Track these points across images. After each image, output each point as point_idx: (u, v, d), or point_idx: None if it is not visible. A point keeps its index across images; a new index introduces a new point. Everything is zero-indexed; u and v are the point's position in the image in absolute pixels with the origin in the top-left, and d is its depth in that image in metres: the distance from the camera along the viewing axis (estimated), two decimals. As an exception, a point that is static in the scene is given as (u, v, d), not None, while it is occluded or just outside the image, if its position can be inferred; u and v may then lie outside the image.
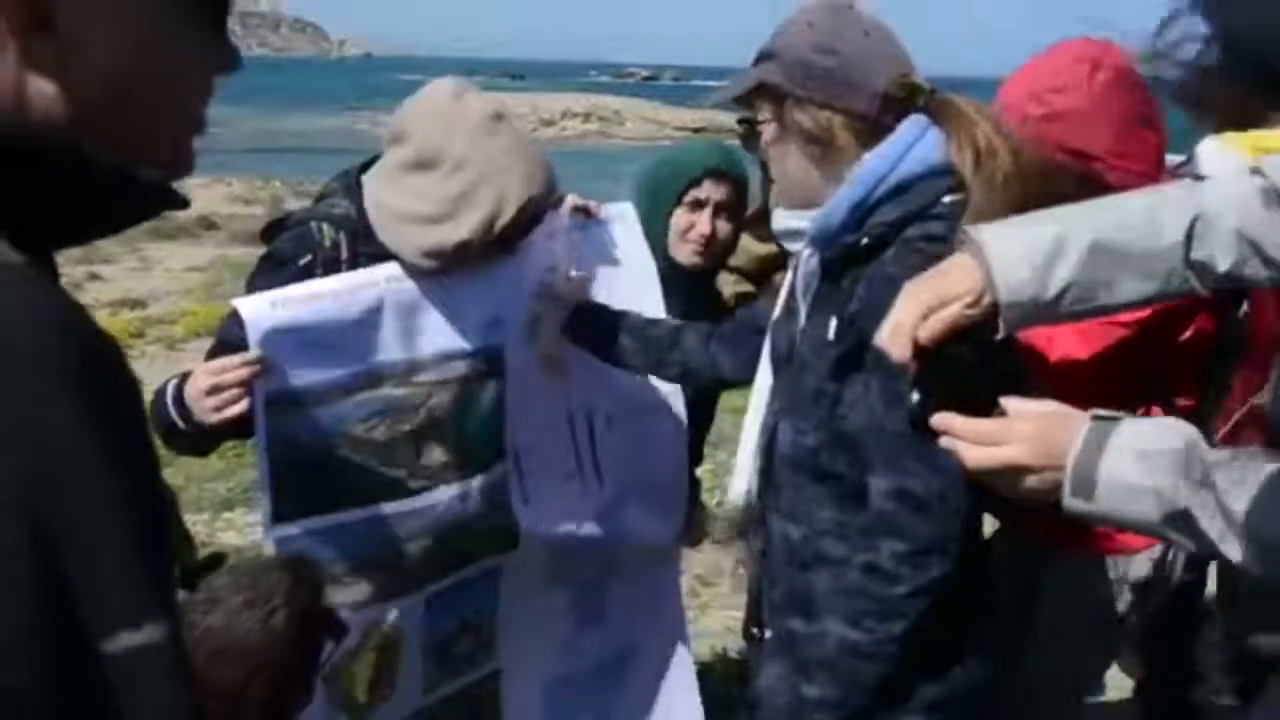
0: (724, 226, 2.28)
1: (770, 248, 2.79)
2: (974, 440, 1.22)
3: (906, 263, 1.47)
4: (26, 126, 0.65)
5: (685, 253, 2.29)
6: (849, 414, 1.54)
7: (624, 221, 2.20)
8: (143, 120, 0.72)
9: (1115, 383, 1.96)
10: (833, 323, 1.55)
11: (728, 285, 2.66)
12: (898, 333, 1.29)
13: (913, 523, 1.50)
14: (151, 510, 0.68)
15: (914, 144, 1.55)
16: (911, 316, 1.29)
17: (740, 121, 1.70)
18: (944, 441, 1.26)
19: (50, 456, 0.61)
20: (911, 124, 1.56)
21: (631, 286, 2.18)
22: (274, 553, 1.66)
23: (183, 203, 0.76)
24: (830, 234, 1.57)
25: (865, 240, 1.54)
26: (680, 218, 2.26)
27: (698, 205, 2.25)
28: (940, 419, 1.25)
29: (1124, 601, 2.13)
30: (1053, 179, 1.84)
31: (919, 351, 1.29)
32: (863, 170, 1.55)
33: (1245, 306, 1.97)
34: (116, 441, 0.64)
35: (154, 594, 0.65)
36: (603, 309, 2.07)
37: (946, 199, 1.53)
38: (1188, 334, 1.96)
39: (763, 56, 1.63)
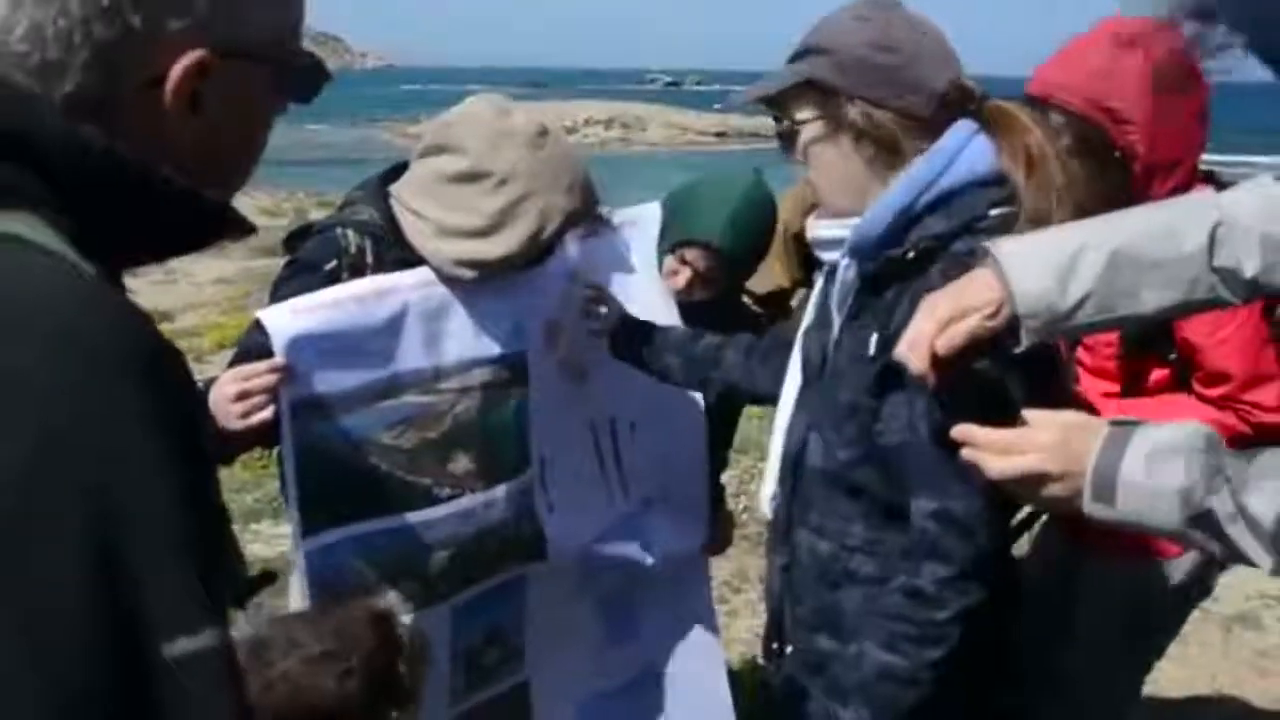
0: (699, 291, 2.28)
1: (780, 280, 2.81)
2: (995, 450, 1.21)
3: (954, 278, 1.41)
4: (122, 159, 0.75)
5: (667, 287, 2.29)
6: (886, 430, 1.51)
7: (637, 226, 2.20)
8: (232, 174, 0.88)
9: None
10: (874, 338, 1.50)
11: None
12: (916, 345, 1.28)
13: (955, 545, 1.46)
14: (210, 516, 0.71)
15: (960, 151, 1.50)
16: (930, 329, 1.28)
17: (777, 120, 1.62)
18: (965, 453, 1.24)
19: (121, 463, 0.63)
20: (958, 130, 1.51)
21: (642, 290, 2.19)
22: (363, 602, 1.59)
23: (250, 229, 0.86)
24: (872, 244, 1.52)
25: (911, 254, 1.49)
26: (669, 261, 2.27)
27: (684, 261, 2.26)
28: (960, 430, 1.24)
29: (1164, 605, 2.10)
30: (1101, 183, 1.82)
31: (938, 364, 1.27)
32: (908, 178, 1.50)
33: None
34: (181, 449, 0.67)
35: (212, 601, 0.66)
36: (647, 326, 2.08)
37: (994, 211, 1.48)
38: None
39: (807, 52, 1.56)
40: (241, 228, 0.85)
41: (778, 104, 1.60)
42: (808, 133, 1.57)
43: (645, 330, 2.06)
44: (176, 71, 0.77)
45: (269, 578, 1.51)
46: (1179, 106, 1.90)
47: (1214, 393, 1.92)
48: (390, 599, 1.83)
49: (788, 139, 1.61)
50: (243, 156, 0.89)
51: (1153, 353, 1.97)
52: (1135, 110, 1.85)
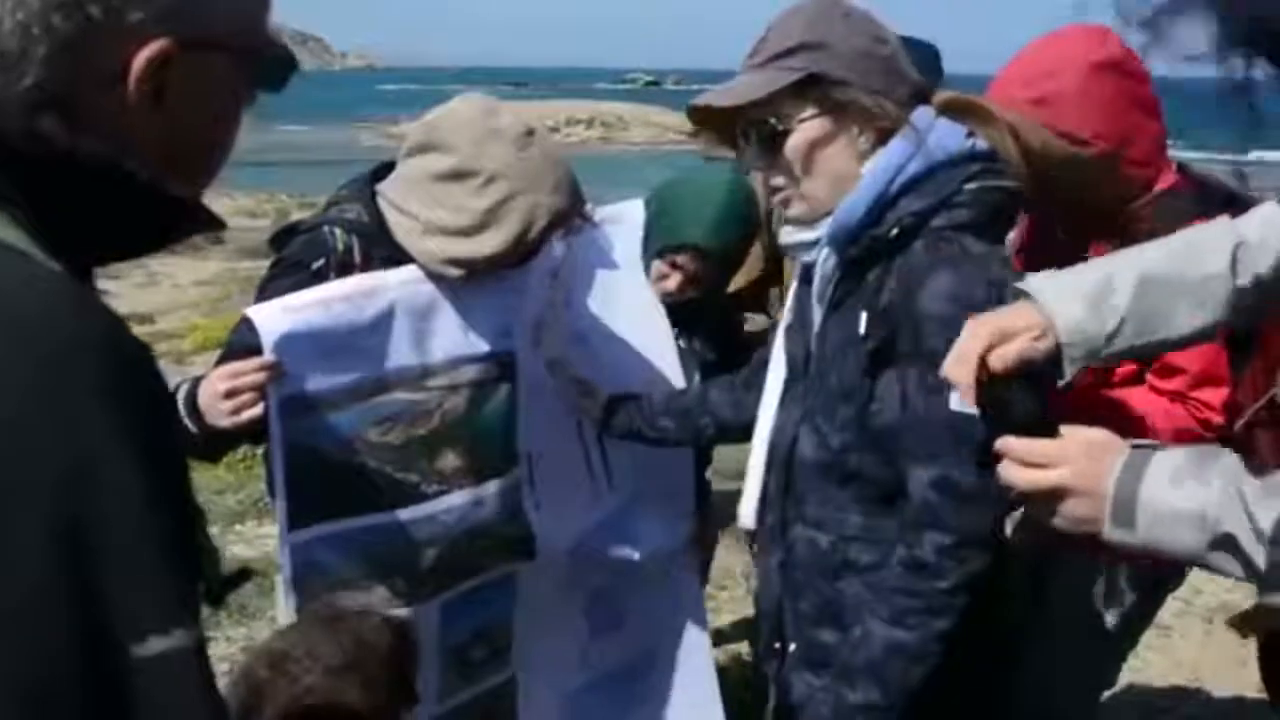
0: (690, 293, 2.30)
1: (754, 267, 2.81)
2: (1029, 461, 1.21)
3: (935, 252, 1.47)
4: (87, 153, 0.73)
5: (656, 290, 2.30)
6: (882, 408, 1.52)
7: (621, 224, 2.20)
8: (201, 168, 0.86)
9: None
10: (863, 316, 1.52)
11: None
12: (962, 362, 1.29)
13: (955, 513, 1.48)
14: (182, 518, 0.69)
15: (926, 134, 1.53)
16: (975, 347, 1.28)
17: (759, 125, 1.57)
18: (1000, 466, 1.24)
19: (85, 462, 0.62)
20: (919, 117, 1.55)
21: (628, 288, 2.20)
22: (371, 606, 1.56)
23: (220, 225, 0.83)
24: (851, 230, 1.54)
25: (894, 231, 1.51)
26: (657, 266, 2.29)
27: (674, 265, 2.27)
28: (1001, 443, 1.24)
29: (1138, 595, 2.11)
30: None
31: (982, 384, 1.28)
32: (878, 165, 1.53)
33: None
34: (149, 449, 0.65)
35: (183, 601, 0.66)
36: (634, 400, 2.09)
37: (968, 186, 1.52)
38: None
39: (797, 50, 1.52)
40: (211, 224, 0.83)
41: (759, 107, 1.55)
42: (809, 131, 1.55)
43: (633, 404, 2.09)
44: (139, 63, 0.75)
45: (245, 575, 1.50)
46: (1126, 109, 1.87)
47: (1167, 386, 1.92)
48: (378, 596, 1.84)
49: (773, 141, 1.57)
50: (211, 150, 0.86)
51: None
52: (1084, 127, 1.82)
